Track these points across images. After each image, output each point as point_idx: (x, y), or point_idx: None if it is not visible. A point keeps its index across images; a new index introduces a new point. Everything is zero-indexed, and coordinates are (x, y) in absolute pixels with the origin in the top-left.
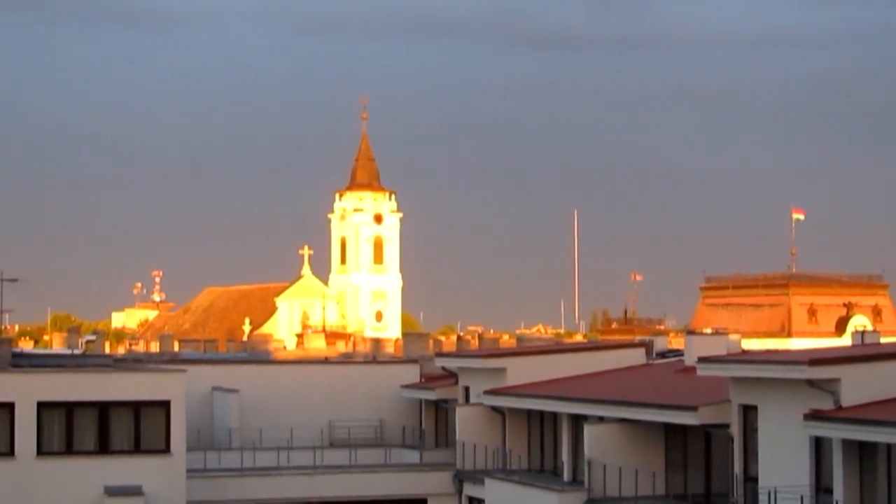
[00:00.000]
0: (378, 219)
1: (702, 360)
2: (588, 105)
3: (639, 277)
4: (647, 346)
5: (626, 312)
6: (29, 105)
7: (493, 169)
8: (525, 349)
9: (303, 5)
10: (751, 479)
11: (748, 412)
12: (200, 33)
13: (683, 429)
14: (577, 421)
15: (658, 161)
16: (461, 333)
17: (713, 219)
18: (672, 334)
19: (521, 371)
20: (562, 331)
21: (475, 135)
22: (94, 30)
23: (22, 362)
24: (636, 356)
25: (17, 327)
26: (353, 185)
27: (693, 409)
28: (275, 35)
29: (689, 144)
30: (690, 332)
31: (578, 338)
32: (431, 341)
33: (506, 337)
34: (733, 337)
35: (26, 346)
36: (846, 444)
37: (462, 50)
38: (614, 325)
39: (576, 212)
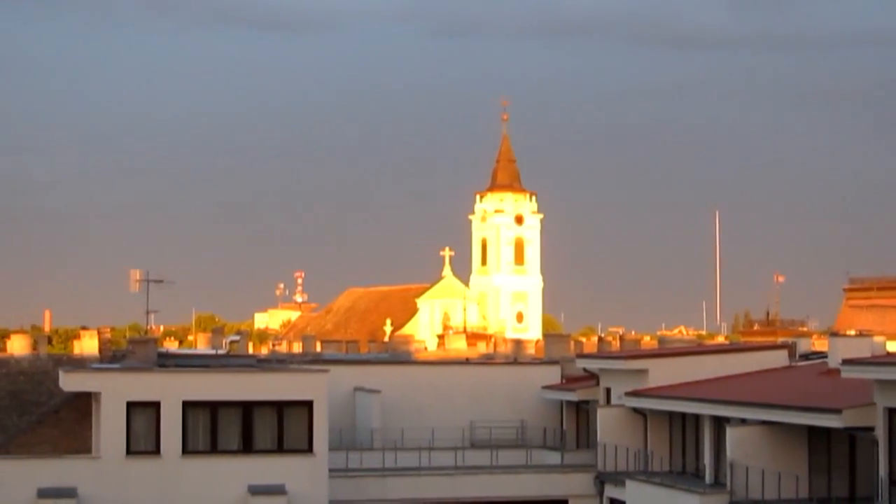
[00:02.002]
0: (519, 220)
1: (846, 362)
2: (729, 105)
3: (781, 279)
4: (790, 348)
5: (768, 314)
6: (163, 108)
7: (633, 169)
8: (666, 351)
9: (441, 7)
10: None
11: (893, 415)
12: (337, 37)
13: (827, 432)
14: (720, 423)
15: (799, 161)
16: (602, 335)
17: (857, 219)
18: (815, 336)
19: (662, 372)
20: (703, 332)
21: (616, 135)
22: (230, 34)
23: (167, 362)
24: (779, 358)
25: (161, 328)
26: (494, 187)
27: (837, 411)
28: (414, 37)
29: (831, 144)
30: (834, 334)
31: (720, 339)
32: (572, 342)
33: (647, 338)
34: (878, 339)
35: (171, 346)
36: None
37: (602, 50)
38: (756, 327)
39: (717, 212)
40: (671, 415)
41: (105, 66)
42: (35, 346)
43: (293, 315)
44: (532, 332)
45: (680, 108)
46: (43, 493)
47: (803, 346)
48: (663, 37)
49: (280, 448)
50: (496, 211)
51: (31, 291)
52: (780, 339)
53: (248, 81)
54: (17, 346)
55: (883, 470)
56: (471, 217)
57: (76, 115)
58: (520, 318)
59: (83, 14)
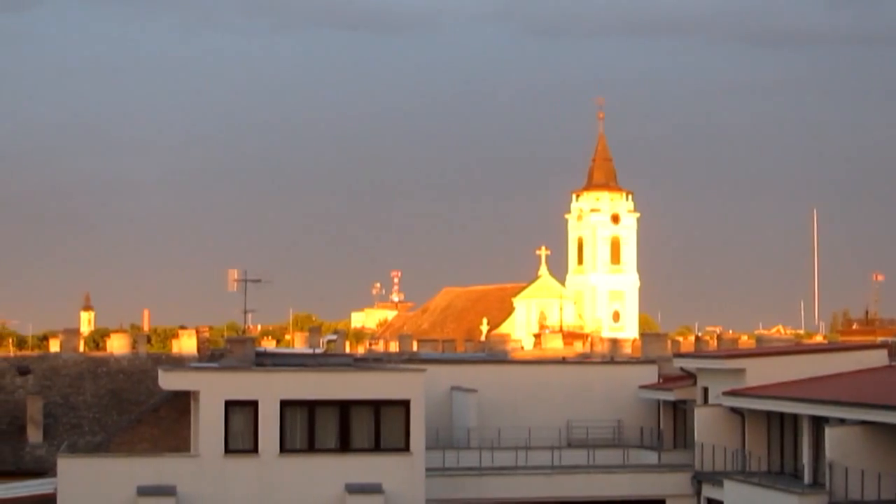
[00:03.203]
0: (615, 219)
1: None
2: (826, 102)
3: (880, 277)
4: (890, 348)
5: (867, 313)
6: (259, 108)
7: (730, 167)
8: (764, 350)
9: (536, 6)
10: None
11: None
12: (430, 37)
13: None
14: (818, 423)
15: None
16: (699, 334)
17: None
18: None
19: (760, 372)
20: (801, 331)
21: (712, 134)
22: (326, 36)
23: (265, 361)
24: (878, 357)
25: (259, 327)
26: (590, 186)
27: None
28: (509, 36)
29: None
30: None
31: (818, 339)
32: (669, 342)
33: (744, 337)
34: None
35: (269, 345)
36: None
37: (698, 48)
38: (855, 326)
39: (815, 210)
40: (769, 414)
41: (203, 67)
42: (134, 345)
43: (390, 314)
44: (628, 331)
45: (776, 105)
46: (142, 492)
47: None
48: (758, 34)
49: (377, 447)
50: (592, 210)
51: (131, 291)
52: (880, 339)
53: (342, 82)
54: (117, 345)
55: None
56: (567, 216)
57: (174, 115)
58: (616, 317)
59: (180, 16)
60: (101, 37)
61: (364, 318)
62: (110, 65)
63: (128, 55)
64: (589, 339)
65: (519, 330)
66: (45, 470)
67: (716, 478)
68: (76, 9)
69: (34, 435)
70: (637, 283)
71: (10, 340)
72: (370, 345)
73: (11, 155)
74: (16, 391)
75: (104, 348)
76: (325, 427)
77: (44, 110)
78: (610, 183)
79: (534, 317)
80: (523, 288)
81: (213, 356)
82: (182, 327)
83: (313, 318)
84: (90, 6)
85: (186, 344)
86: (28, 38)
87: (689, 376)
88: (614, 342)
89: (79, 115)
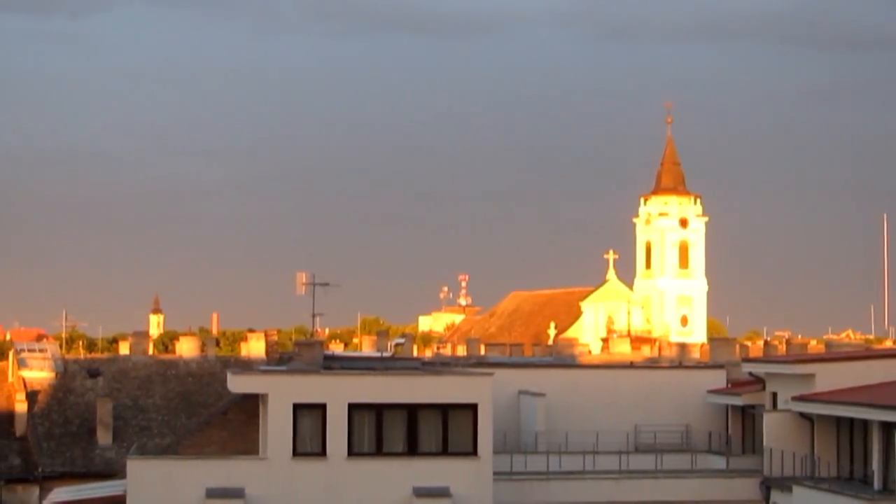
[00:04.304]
0: (683, 223)
1: None
2: None
3: None
4: None
5: None
6: (334, 112)
7: (799, 172)
8: (834, 355)
9: (605, 9)
10: None
11: None
12: (501, 39)
13: None
14: (888, 428)
15: None
16: (768, 338)
17: None
18: None
19: (830, 377)
20: (871, 336)
21: (781, 137)
22: (392, 40)
23: (333, 365)
24: None
25: (327, 330)
26: (659, 190)
27: None
28: (577, 40)
29: None
30: None
31: (888, 344)
32: (738, 346)
33: (813, 342)
34: None
35: (337, 348)
36: None
37: (767, 52)
38: None
39: (885, 216)
40: (839, 420)
41: (271, 71)
42: (203, 348)
43: (457, 318)
44: (697, 335)
45: (846, 109)
46: (211, 494)
47: None
48: (829, 37)
49: (445, 451)
50: (661, 214)
51: (200, 294)
52: None
53: (409, 85)
54: (186, 348)
55: None
56: (635, 220)
57: (243, 119)
58: (684, 321)
59: (248, 21)
60: (170, 42)
61: (432, 322)
62: (179, 69)
63: (196, 60)
64: (657, 343)
65: (586, 334)
66: (114, 472)
67: (784, 483)
68: (144, 14)
69: (104, 437)
70: (705, 288)
71: (80, 343)
72: (438, 348)
73: (81, 159)
74: (86, 393)
75: (173, 351)
76: (393, 430)
77: (112, 115)
78: (678, 187)
79: (601, 321)
80: (591, 292)
81: (281, 359)
82: (251, 330)
83: (381, 322)
84: (159, 12)
85: (255, 347)
86: (96, 43)
87: (758, 381)
88: (682, 347)
89: (146, 120)
